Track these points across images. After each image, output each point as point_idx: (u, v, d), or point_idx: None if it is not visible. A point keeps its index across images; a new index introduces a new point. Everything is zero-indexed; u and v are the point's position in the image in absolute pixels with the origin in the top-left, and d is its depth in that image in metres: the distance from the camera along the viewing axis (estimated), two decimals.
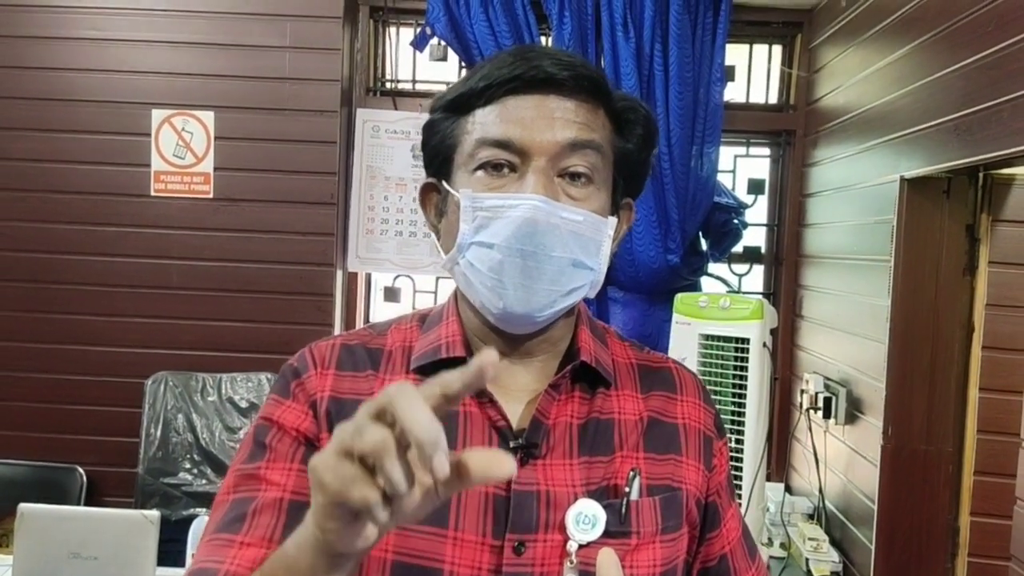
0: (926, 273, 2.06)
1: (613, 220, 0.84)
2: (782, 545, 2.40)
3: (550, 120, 0.79)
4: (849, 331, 2.39)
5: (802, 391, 2.54)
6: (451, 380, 0.55)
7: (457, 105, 0.83)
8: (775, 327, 2.32)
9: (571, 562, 0.76)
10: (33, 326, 2.97)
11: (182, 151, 2.98)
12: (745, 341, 2.22)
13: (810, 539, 2.29)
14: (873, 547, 2.06)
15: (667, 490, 0.84)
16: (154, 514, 1.89)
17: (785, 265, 3.00)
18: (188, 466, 2.79)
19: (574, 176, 0.80)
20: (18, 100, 2.96)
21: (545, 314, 0.81)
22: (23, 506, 1.91)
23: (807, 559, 2.26)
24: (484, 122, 0.80)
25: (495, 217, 0.78)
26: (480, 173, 0.80)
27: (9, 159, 2.96)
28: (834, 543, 2.33)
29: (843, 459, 2.34)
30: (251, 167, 2.95)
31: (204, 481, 2.77)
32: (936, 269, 2.06)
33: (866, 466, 2.15)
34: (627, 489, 0.80)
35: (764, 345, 2.22)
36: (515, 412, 0.83)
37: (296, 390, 0.84)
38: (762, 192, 3.06)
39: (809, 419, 2.51)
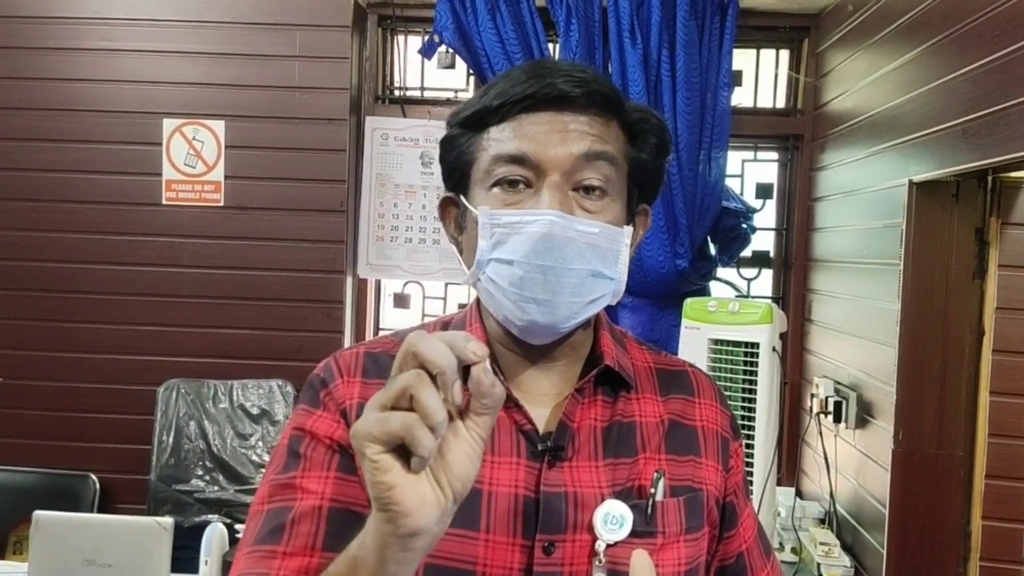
0: (936, 277, 2.06)
1: (629, 229, 0.85)
2: (793, 550, 2.40)
3: (563, 135, 0.80)
4: (859, 335, 2.39)
5: (812, 395, 2.53)
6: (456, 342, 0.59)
7: (472, 122, 0.84)
8: (785, 331, 2.33)
9: (599, 561, 0.78)
10: (45, 335, 3.00)
11: (193, 160, 3.00)
12: (755, 345, 2.22)
13: (821, 543, 2.29)
14: (885, 551, 2.06)
15: (689, 491, 0.86)
16: (168, 521, 1.91)
17: (794, 269, 3.00)
18: (200, 473, 2.80)
19: (589, 189, 0.81)
20: (30, 111, 2.99)
21: (568, 325, 0.83)
22: (38, 513, 1.92)
23: (818, 564, 2.26)
24: (499, 139, 0.81)
25: (513, 233, 0.79)
26: (496, 190, 0.81)
27: (22, 169, 2.99)
28: (845, 548, 2.33)
29: (854, 463, 2.34)
30: (261, 175, 2.97)
31: (216, 488, 2.79)
32: (945, 273, 2.06)
33: (877, 470, 2.15)
34: (652, 490, 0.83)
35: (773, 349, 2.22)
36: (541, 416, 0.85)
37: (325, 399, 0.85)
38: (770, 196, 3.07)
39: (819, 423, 2.51)
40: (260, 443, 2.84)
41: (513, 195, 0.81)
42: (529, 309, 0.80)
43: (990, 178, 2.06)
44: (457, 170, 0.86)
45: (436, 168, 3.19)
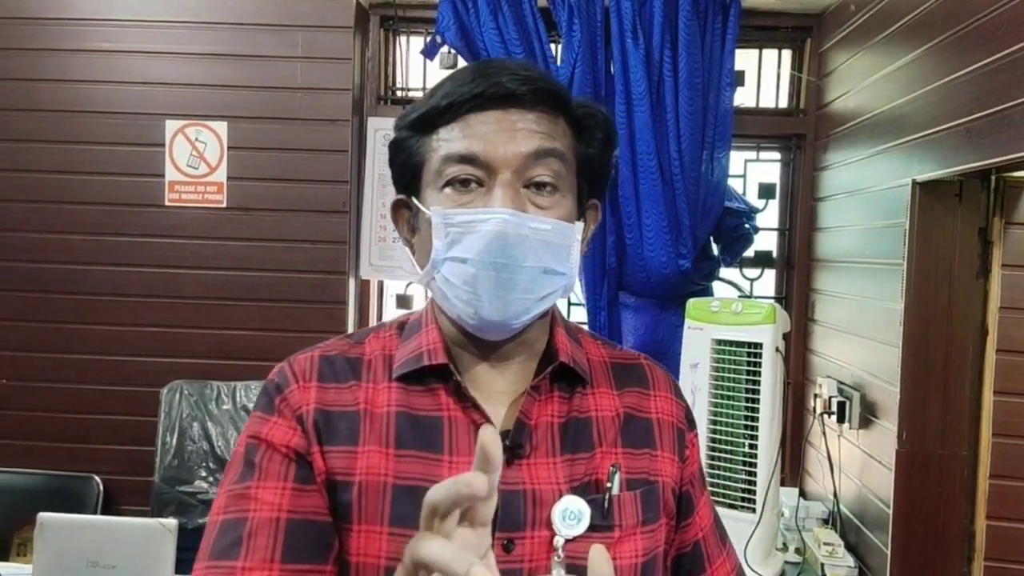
0: (939, 277, 2.06)
1: (580, 224, 0.87)
2: (797, 550, 2.40)
3: (512, 133, 0.81)
4: (862, 335, 2.38)
5: (815, 396, 2.53)
6: (468, 485, 0.56)
7: (421, 123, 0.85)
8: (788, 331, 2.32)
9: (558, 557, 0.79)
10: (48, 336, 3.00)
11: (196, 161, 3.00)
12: (758, 346, 2.22)
13: (825, 544, 2.29)
14: (889, 551, 2.06)
15: (645, 483, 0.88)
16: (172, 522, 1.91)
17: (797, 269, 3.00)
18: (204, 474, 2.81)
19: (540, 186, 0.82)
20: (32, 112, 2.99)
21: (520, 321, 0.84)
22: (42, 515, 1.92)
23: (822, 564, 2.26)
24: (449, 139, 0.82)
25: (466, 232, 0.80)
26: (448, 190, 0.82)
27: (24, 171, 3.00)
28: (849, 548, 2.33)
29: (857, 464, 2.34)
30: (264, 176, 2.97)
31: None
32: (949, 272, 2.06)
33: (881, 470, 2.15)
34: (608, 484, 0.84)
35: (777, 349, 2.22)
36: (497, 414, 0.86)
37: (280, 405, 0.84)
38: (773, 196, 3.06)
39: (823, 424, 2.51)
40: None
41: (465, 194, 0.81)
42: (481, 306, 0.81)
43: (993, 178, 2.06)
44: (407, 172, 0.87)
45: None
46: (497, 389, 0.87)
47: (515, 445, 0.82)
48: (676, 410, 0.95)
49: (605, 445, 0.87)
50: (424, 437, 0.82)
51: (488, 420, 0.83)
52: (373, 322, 3.16)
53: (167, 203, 2.99)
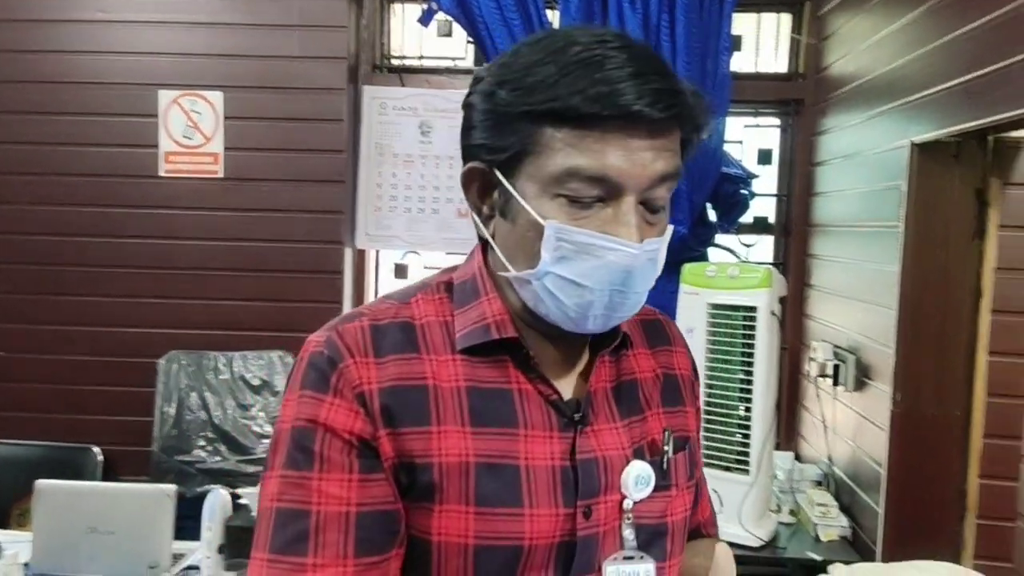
0: (935, 238, 2.05)
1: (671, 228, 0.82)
2: (791, 512, 2.41)
3: (647, 154, 0.74)
4: (858, 298, 2.38)
5: (811, 359, 2.54)
6: None
7: (545, 114, 0.74)
8: (784, 296, 2.32)
9: (628, 518, 0.81)
10: (45, 308, 3.00)
11: (191, 132, 2.99)
12: (753, 310, 2.22)
13: (819, 505, 2.30)
14: (882, 511, 2.07)
15: (685, 441, 0.90)
16: (171, 488, 1.92)
17: (794, 235, 3.00)
18: (202, 443, 2.82)
19: (655, 206, 0.78)
20: (26, 84, 2.97)
21: (612, 327, 0.82)
22: (40, 482, 1.94)
23: (815, 524, 2.27)
24: (577, 147, 0.73)
25: (584, 254, 0.75)
26: (563, 200, 0.75)
27: (18, 143, 2.98)
28: (843, 508, 2.34)
29: (852, 425, 2.35)
30: (260, 146, 2.96)
31: (218, 458, 2.80)
32: (945, 234, 2.05)
33: (875, 432, 2.15)
34: (666, 447, 0.86)
35: (772, 313, 2.22)
36: (562, 386, 0.84)
37: (338, 384, 0.77)
38: (770, 162, 3.05)
39: (817, 387, 2.51)
40: (261, 413, 2.86)
41: (582, 210, 0.75)
42: (585, 322, 0.79)
43: (991, 138, 2.04)
44: (506, 151, 0.77)
45: (435, 137, 3.18)
46: (553, 359, 0.85)
47: (584, 415, 0.82)
48: (690, 363, 0.97)
49: (652, 407, 0.88)
50: (498, 412, 0.79)
51: (557, 393, 0.82)
52: (370, 292, 3.16)
53: (162, 174, 2.98)
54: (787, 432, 2.93)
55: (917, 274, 2.05)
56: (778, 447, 2.61)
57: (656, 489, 0.83)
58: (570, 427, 0.81)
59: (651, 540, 0.82)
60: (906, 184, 2.07)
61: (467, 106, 0.82)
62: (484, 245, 0.86)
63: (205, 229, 2.98)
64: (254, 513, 1.79)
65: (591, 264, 0.75)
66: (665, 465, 0.85)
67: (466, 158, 0.82)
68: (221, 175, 2.98)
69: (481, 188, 0.82)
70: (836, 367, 2.35)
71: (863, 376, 2.27)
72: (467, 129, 0.82)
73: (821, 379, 2.45)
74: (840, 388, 2.37)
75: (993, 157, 2.05)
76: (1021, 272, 2.01)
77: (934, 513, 2.01)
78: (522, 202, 0.77)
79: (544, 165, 0.75)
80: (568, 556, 0.78)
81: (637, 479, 0.81)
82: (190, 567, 1.92)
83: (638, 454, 0.84)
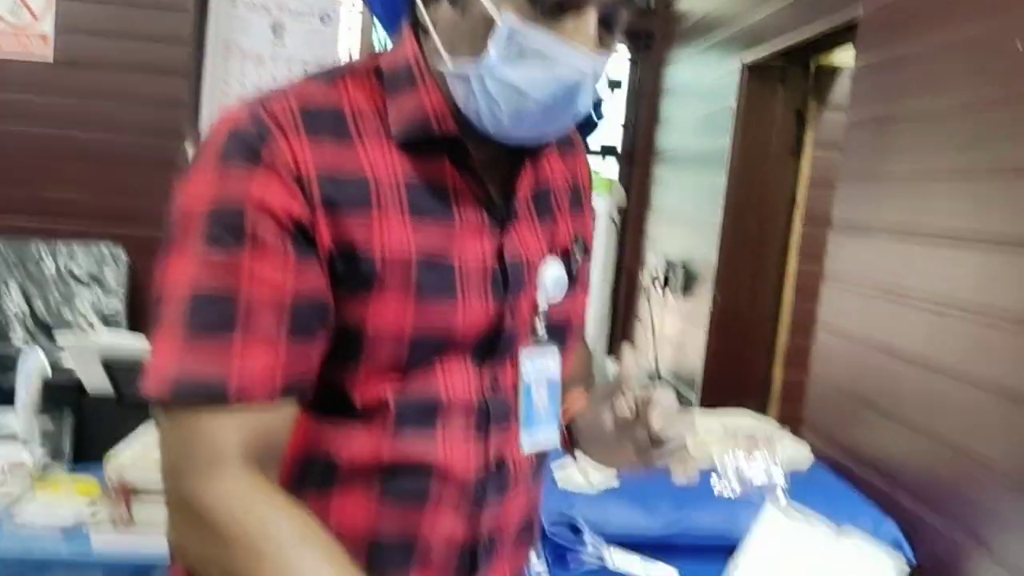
0: (758, 154, 2.21)
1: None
2: None
3: None
4: (691, 217, 2.54)
5: (644, 269, 2.68)
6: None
7: None
8: (624, 207, 2.44)
9: (540, 316, 0.84)
10: None
11: (17, 8, 2.77)
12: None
13: None
14: (696, 402, 2.24)
15: (584, 246, 0.92)
16: None
17: (637, 161, 3.13)
18: (21, 334, 2.67)
19: (611, 28, 0.74)
20: None
21: (541, 142, 0.80)
22: None
23: None
24: None
25: (535, 58, 0.70)
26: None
27: None
28: None
29: (677, 329, 2.51)
30: (96, 30, 2.79)
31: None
32: (767, 150, 2.21)
33: (697, 334, 2.31)
34: (574, 251, 0.88)
35: (612, 220, 2.33)
36: (492, 187, 0.82)
37: (270, 158, 0.68)
38: (620, 87, 3.16)
39: (649, 297, 2.66)
40: (90, 308, 2.73)
41: (540, 14, 0.70)
42: (516, 130, 0.75)
43: (812, 64, 2.21)
44: None
45: (288, 39, 3.09)
46: (482, 162, 0.79)
47: (510, 216, 0.82)
48: (588, 168, 0.96)
49: (561, 212, 0.89)
50: (435, 208, 0.76)
51: (490, 196, 0.80)
52: None
53: None
54: (622, 340, 3.09)
55: (740, 186, 2.20)
56: (610, 353, 2.74)
57: (568, 290, 0.86)
58: (497, 227, 0.81)
59: (555, 334, 0.86)
60: (736, 103, 2.21)
61: None
62: (415, 30, 0.79)
63: (34, 116, 2.78)
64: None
65: (539, 72, 0.70)
66: (574, 269, 0.87)
67: None
68: (52, 59, 2.79)
69: None
70: (667, 276, 2.49)
71: (690, 282, 2.43)
72: None
73: (653, 289, 2.60)
74: (669, 294, 2.52)
75: (814, 81, 2.22)
76: (829, 188, 2.19)
77: (741, 404, 2.19)
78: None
79: None
80: (489, 345, 0.81)
81: (555, 281, 0.83)
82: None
83: (554, 257, 0.86)
